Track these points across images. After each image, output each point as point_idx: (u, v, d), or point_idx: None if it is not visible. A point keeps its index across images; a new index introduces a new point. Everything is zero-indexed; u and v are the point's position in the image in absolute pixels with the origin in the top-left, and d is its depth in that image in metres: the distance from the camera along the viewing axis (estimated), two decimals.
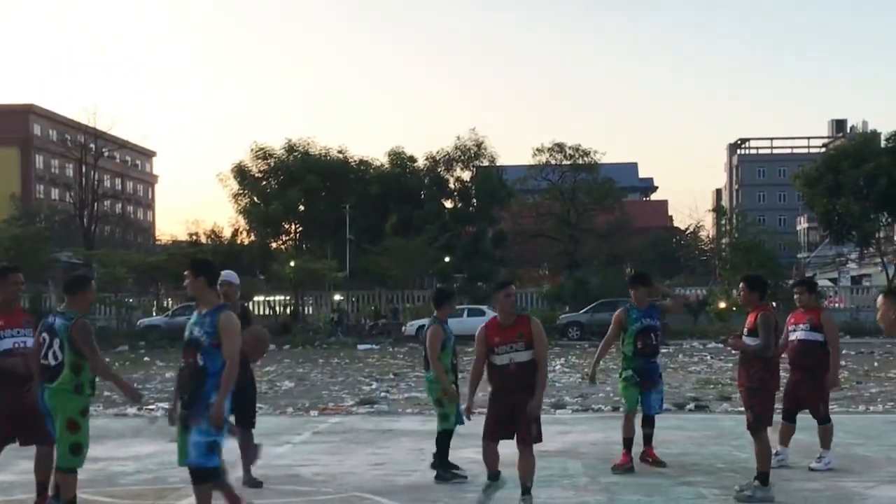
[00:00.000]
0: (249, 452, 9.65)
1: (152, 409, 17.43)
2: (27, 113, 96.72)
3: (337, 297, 51.44)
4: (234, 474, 9.67)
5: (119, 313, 47.97)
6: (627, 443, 10.47)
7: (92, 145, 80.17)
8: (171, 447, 12.36)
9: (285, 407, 17.45)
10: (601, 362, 11.66)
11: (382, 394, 19.66)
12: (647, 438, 10.78)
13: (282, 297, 51.88)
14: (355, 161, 61.02)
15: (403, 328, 45.44)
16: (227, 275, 9.73)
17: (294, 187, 57.53)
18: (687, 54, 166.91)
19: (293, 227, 62.26)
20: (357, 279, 53.23)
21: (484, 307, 45.96)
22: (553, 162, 62.85)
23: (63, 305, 8.12)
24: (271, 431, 13.43)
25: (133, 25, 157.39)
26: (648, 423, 10.79)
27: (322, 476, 10.37)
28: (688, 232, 78.74)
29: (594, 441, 12.95)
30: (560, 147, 62.43)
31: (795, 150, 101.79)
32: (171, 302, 53.26)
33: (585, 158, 62.53)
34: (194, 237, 64.65)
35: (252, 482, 9.52)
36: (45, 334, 7.97)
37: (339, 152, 60.84)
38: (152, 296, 53.67)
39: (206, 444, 7.25)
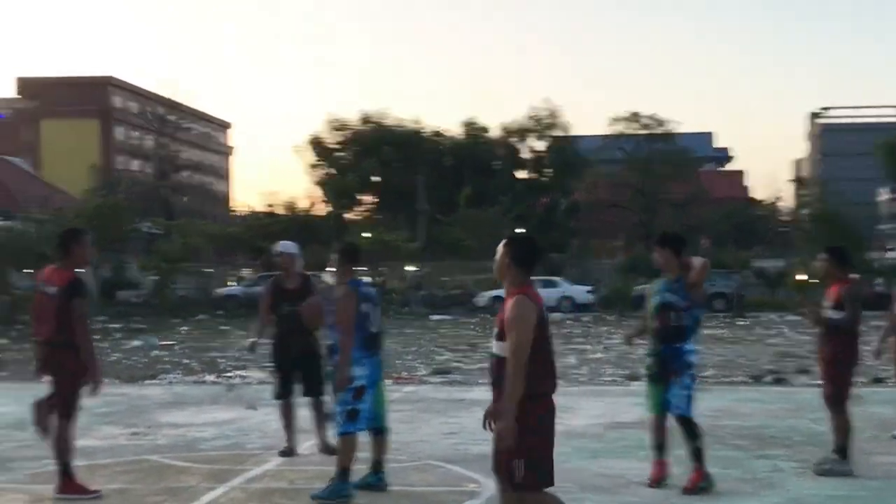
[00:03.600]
0: (321, 420, 9.74)
1: (230, 377, 17.74)
2: (106, 85, 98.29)
3: (410, 268, 51.65)
4: (308, 441, 9.82)
5: (198, 282, 48.77)
6: (656, 451, 8.47)
7: (170, 117, 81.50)
8: (249, 414, 12.66)
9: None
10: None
11: (455, 364, 19.74)
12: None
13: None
14: (429, 132, 61.15)
15: (476, 299, 45.49)
16: (284, 245, 9.83)
17: (369, 158, 57.92)
18: (765, 20, 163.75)
19: (368, 198, 62.65)
20: (430, 250, 53.38)
21: (557, 278, 45.88)
22: (628, 132, 62.21)
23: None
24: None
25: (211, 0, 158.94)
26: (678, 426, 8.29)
27: (395, 444, 10.39)
28: (766, 203, 77.45)
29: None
30: (635, 116, 61.78)
31: (881, 119, 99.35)
32: (248, 271, 54.01)
33: (661, 128, 61.82)
34: (270, 208, 65.42)
35: (327, 448, 9.63)
36: None
37: (414, 123, 61.07)
38: (230, 265, 54.43)
39: (346, 412, 7.79)
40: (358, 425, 7.93)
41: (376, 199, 62.03)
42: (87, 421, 12.31)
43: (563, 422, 11.75)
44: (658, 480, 8.33)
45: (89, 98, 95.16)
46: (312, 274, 10.27)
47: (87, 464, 8.98)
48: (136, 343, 25.80)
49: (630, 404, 13.33)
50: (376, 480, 8.21)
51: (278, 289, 9.65)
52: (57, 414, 8.05)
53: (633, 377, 17.00)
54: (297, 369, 9.61)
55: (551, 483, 5.63)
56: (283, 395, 9.68)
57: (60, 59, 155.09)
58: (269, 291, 9.71)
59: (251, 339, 10.24)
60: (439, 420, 12.15)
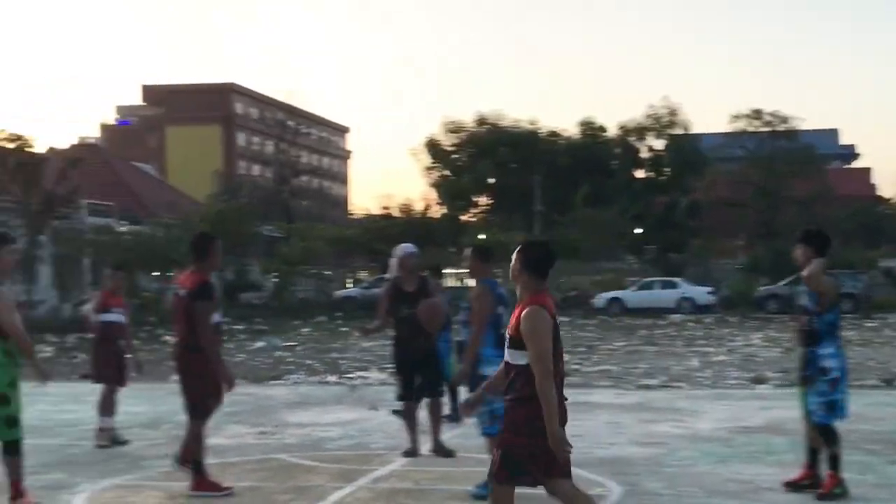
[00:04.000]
0: (438, 421, 9.74)
1: (352, 378, 17.95)
2: (229, 92, 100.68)
3: None
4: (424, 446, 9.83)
5: (317, 285, 49.56)
6: (806, 454, 8.25)
7: (290, 123, 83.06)
8: (371, 414, 12.79)
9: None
10: None
11: (574, 366, 19.61)
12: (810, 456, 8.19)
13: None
14: (545, 132, 60.95)
15: (593, 300, 45.13)
16: (403, 247, 9.84)
17: (485, 160, 57.98)
18: (892, 12, 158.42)
19: (483, 199, 62.75)
20: None
21: (677, 279, 45.22)
22: (750, 129, 60.83)
23: None
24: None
25: (328, 6, 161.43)
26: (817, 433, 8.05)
27: None
28: (893, 201, 74.91)
29: (797, 417, 12.49)
30: (757, 113, 60.30)
31: None
32: (365, 274, 54.70)
33: (784, 125, 60.26)
34: (386, 210, 66.06)
35: (442, 451, 9.59)
36: None
37: (530, 124, 60.91)
38: (348, 268, 55.15)
39: (489, 411, 7.79)
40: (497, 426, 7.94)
41: (491, 201, 62.07)
42: (215, 420, 12.51)
43: (689, 425, 11.65)
44: (796, 483, 8.15)
45: (212, 105, 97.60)
46: (428, 275, 10.27)
47: (217, 462, 9.17)
48: (259, 344, 26.34)
49: (756, 408, 13.07)
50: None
51: (397, 291, 9.64)
52: (188, 414, 8.24)
53: (759, 380, 16.63)
54: (417, 371, 9.62)
55: (526, 484, 5.61)
56: (406, 396, 9.70)
57: (184, 68, 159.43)
58: (388, 294, 9.70)
59: (370, 325, 10.28)
60: None
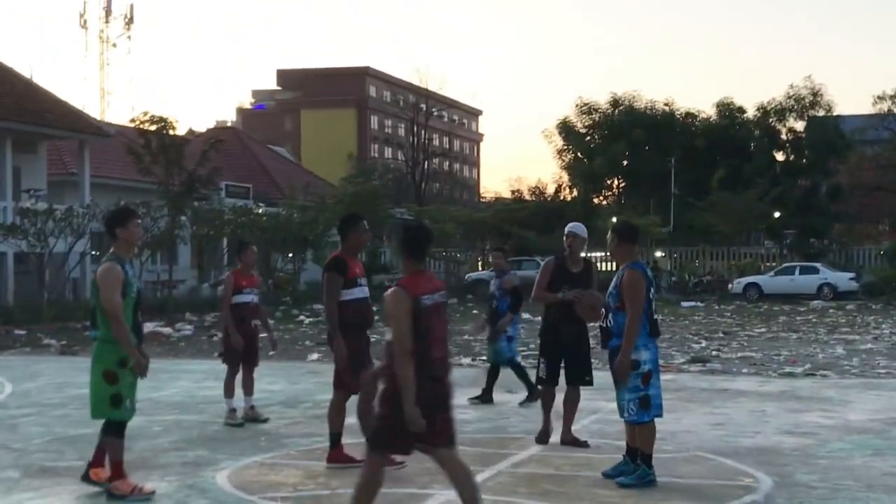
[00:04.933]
0: (573, 410, 9.47)
1: (485, 361, 17.82)
2: (363, 75, 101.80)
3: (658, 254, 50.62)
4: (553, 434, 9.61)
5: (448, 268, 49.66)
6: None
7: (423, 106, 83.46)
8: (508, 397, 12.64)
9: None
10: None
11: (714, 352, 19.10)
12: None
13: (600, 254, 51.75)
14: (681, 114, 59.72)
15: (730, 286, 44.05)
16: (574, 226, 9.48)
17: (618, 142, 57.13)
18: None
19: (616, 182, 61.90)
20: (681, 235, 52.10)
21: (817, 265, 43.78)
22: (895, 110, 58.47)
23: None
24: (602, 386, 13.33)
25: None
26: None
27: (660, 433, 10.03)
28: None
29: None
30: None
31: None
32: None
33: None
34: (516, 194, 65.79)
35: (576, 442, 9.34)
36: None
37: (665, 105, 59.73)
38: (479, 251, 55.10)
39: (637, 399, 7.69)
40: (652, 412, 7.74)
41: (624, 184, 61.19)
42: (354, 400, 12.69)
43: (840, 415, 11.17)
44: None
45: (346, 88, 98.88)
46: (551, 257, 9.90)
47: (354, 441, 9.05)
48: None
49: None
50: (632, 469, 7.92)
51: (561, 269, 9.25)
52: (334, 385, 8.44)
53: None
54: (564, 355, 9.36)
55: (396, 452, 6.14)
56: (550, 380, 9.44)
57: (318, 51, 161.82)
58: (550, 270, 9.26)
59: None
60: (703, 410, 11.72)
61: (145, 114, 29.36)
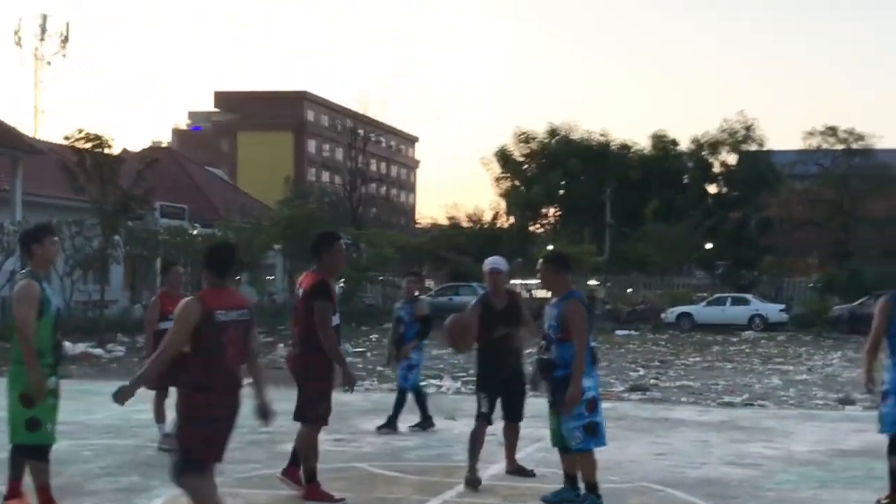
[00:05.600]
0: (515, 442, 9.31)
1: (425, 386, 17.62)
2: (302, 99, 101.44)
3: (592, 283, 50.93)
4: (496, 465, 9.47)
5: (385, 292, 49.40)
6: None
7: (361, 131, 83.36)
8: (449, 424, 12.47)
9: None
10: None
11: (652, 381, 19.14)
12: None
13: (536, 281, 51.96)
14: (617, 145, 60.38)
15: (663, 315, 44.42)
16: (493, 261, 9.08)
17: (555, 171, 57.57)
18: None
19: (553, 210, 62.32)
20: (616, 264, 52.53)
21: (748, 296, 44.35)
22: (825, 146, 59.77)
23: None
24: (540, 414, 13.23)
25: (398, 12, 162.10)
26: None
27: (605, 463, 9.96)
28: None
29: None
30: (833, 130, 59.31)
31: None
32: (432, 283, 54.47)
33: (860, 143, 59.13)
34: (453, 220, 65.84)
35: (522, 472, 9.17)
36: None
37: (601, 135, 60.38)
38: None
39: (583, 427, 7.61)
40: (599, 440, 7.68)
41: (560, 213, 61.60)
42: (292, 425, 12.42)
43: (782, 446, 11.17)
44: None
45: (284, 112, 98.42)
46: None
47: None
48: None
49: (849, 430, 12.54)
50: (574, 496, 7.86)
51: (488, 308, 8.86)
52: (301, 419, 8.04)
53: (847, 401, 16.04)
54: (502, 391, 9.01)
55: (204, 469, 5.97)
56: (489, 416, 8.94)
57: (257, 74, 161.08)
58: (478, 312, 8.85)
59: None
60: (646, 439, 11.67)
61: (80, 131, 28.79)
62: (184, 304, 5.88)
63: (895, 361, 7.88)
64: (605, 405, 14.96)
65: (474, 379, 9.51)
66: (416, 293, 12.51)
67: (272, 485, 8.57)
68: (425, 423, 12.11)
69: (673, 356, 26.31)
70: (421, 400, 12.27)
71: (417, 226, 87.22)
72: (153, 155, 40.96)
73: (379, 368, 21.47)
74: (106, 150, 29.22)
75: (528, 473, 9.15)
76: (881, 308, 8.06)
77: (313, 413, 7.96)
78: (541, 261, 8.03)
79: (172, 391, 10.48)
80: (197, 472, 5.86)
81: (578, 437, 7.63)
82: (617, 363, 23.60)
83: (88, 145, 28.77)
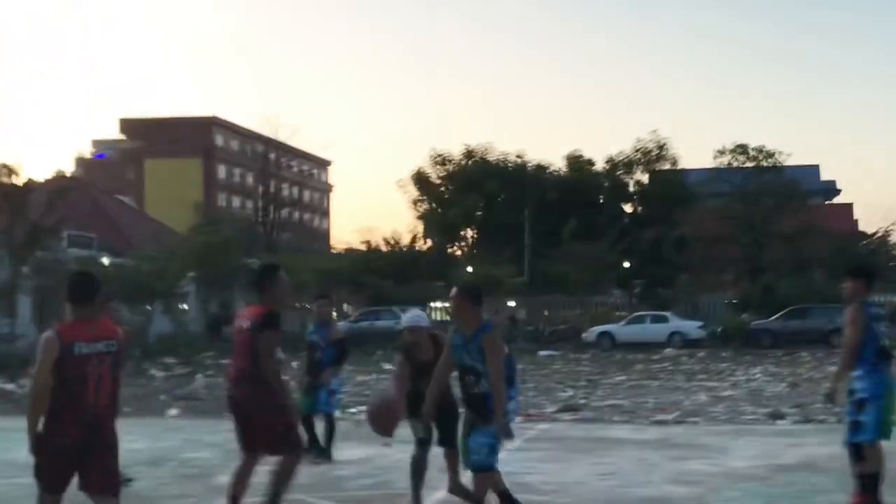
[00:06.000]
0: (456, 464, 9.06)
1: (353, 413, 17.30)
2: (210, 124, 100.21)
3: (510, 304, 51.04)
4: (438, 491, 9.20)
5: (303, 319, 48.76)
6: (869, 481, 8.08)
7: (272, 155, 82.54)
8: (384, 451, 12.13)
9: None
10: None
11: (582, 400, 19.06)
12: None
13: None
14: (533, 166, 60.65)
15: (584, 335, 44.65)
16: (412, 318, 8.70)
17: (472, 192, 57.57)
18: (876, 50, 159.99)
19: (470, 232, 62.30)
20: (535, 285, 52.67)
21: (667, 314, 44.83)
22: (735, 164, 60.81)
23: None
24: None
25: (311, 35, 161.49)
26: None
27: (552, 485, 9.85)
28: (877, 236, 74.90)
29: (832, 455, 11.96)
30: (743, 148, 60.34)
31: None
32: (349, 308, 54.00)
33: (770, 160, 60.28)
34: (369, 244, 65.38)
35: (464, 492, 8.91)
36: None
37: (518, 157, 60.59)
38: (333, 301, 54.36)
39: (489, 446, 7.50)
40: (496, 459, 7.63)
41: (478, 234, 61.62)
42: (221, 458, 11.98)
43: (720, 463, 11.11)
44: None
45: (192, 138, 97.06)
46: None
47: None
48: None
49: (785, 445, 12.57)
50: None
51: (414, 364, 8.53)
52: (285, 449, 7.70)
53: (777, 416, 16.11)
54: (441, 420, 8.75)
55: (54, 491, 6.09)
56: (427, 440, 8.69)
57: (162, 100, 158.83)
58: (404, 371, 8.58)
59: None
60: (588, 460, 11.51)
61: None
62: (45, 340, 5.97)
63: (869, 370, 7.87)
64: (540, 426, 15.03)
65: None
66: (329, 316, 12.03)
67: None
68: (322, 454, 11.52)
69: (599, 375, 26.35)
70: (331, 428, 11.69)
71: (333, 250, 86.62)
72: (61, 184, 39.94)
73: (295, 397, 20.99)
74: (14, 180, 28.35)
75: (472, 496, 8.88)
76: (854, 318, 8.01)
77: (295, 440, 7.71)
78: (455, 290, 7.74)
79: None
80: (46, 494, 6.09)
81: (485, 452, 7.48)
82: (544, 383, 23.52)
83: None
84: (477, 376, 7.46)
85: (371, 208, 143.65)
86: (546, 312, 50.96)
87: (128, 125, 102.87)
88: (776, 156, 60.20)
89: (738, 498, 9.14)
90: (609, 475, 10.42)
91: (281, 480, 7.75)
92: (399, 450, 11.73)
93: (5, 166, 27.81)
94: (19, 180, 29.19)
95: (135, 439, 13.25)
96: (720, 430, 14.36)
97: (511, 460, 11.49)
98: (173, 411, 17.75)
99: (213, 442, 13.48)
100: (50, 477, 6.04)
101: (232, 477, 7.84)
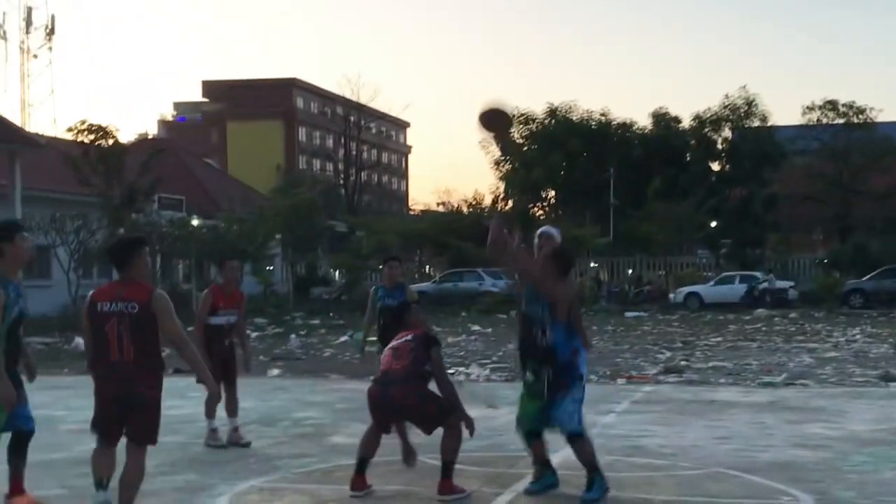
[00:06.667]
0: None
1: (453, 374, 17.28)
2: (290, 86, 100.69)
3: (592, 265, 50.61)
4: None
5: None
6: None
7: (352, 118, 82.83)
8: (492, 412, 12.06)
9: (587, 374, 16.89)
10: None
11: (683, 362, 18.78)
12: None
13: None
14: (617, 124, 59.89)
15: (671, 295, 44.15)
16: (546, 230, 8.53)
17: (556, 152, 57.04)
18: None
19: (553, 192, 61.86)
20: (618, 245, 52.16)
21: (757, 273, 44.09)
22: (825, 121, 59.40)
23: None
24: (587, 399, 12.88)
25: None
26: None
27: (669, 448, 9.69)
28: None
29: None
30: (832, 105, 58.89)
31: None
32: (432, 269, 54.05)
33: (860, 116, 58.75)
34: (447, 205, 65.21)
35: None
36: None
37: (601, 115, 59.84)
38: (416, 262, 54.52)
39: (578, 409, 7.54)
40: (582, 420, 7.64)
41: (560, 193, 61.15)
42: (334, 417, 12.05)
43: (841, 426, 10.84)
44: None
45: (273, 100, 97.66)
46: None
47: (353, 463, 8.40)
48: (343, 339, 25.73)
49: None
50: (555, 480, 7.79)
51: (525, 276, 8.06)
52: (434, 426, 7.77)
53: (888, 378, 15.70)
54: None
55: (101, 435, 6.42)
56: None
57: (243, 62, 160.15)
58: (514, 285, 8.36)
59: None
60: (701, 423, 11.30)
61: (83, 122, 28.31)
62: (159, 295, 6.44)
63: None
64: (645, 388, 14.83)
65: (503, 365, 9.09)
66: (401, 279, 11.55)
67: (335, 479, 8.23)
68: None
69: (692, 337, 25.97)
70: None
71: (411, 212, 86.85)
72: (150, 145, 40.55)
73: None
74: (110, 141, 28.74)
75: (585, 464, 8.73)
76: None
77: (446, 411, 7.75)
78: (547, 253, 7.70)
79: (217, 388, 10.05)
80: (98, 444, 6.44)
81: (576, 418, 7.47)
82: (639, 345, 23.26)
83: (91, 136, 28.28)
84: (542, 327, 7.42)
85: (448, 169, 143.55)
86: (630, 272, 50.45)
87: (210, 88, 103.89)
88: (867, 112, 58.69)
89: (868, 462, 8.89)
90: (727, 438, 10.22)
91: (452, 448, 7.64)
92: (506, 411, 11.69)
93: (101, 128, 28.16)
94: (116, 141, 29.57)
95: (243, 398, 13.37)
96: (833, 393, 14.03)
97: (622, 423, 11.39)
98: (274, 371, 17.90)
99: (319, 401, 13.57)
100: (99, 426, 6.40)
101: (362, 438, 7.82)
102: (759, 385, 15.11)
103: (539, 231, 8.66)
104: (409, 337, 7.83)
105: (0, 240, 6.67)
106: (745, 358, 19.53)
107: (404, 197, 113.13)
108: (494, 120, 7.92)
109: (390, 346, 7.95)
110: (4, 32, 59.08)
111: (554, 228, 8.84)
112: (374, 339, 10.78)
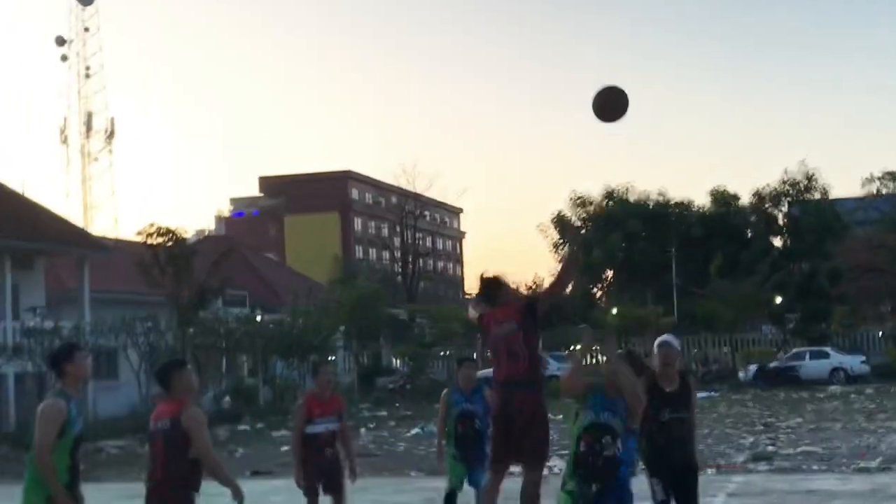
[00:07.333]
0: None
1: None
2: (345, 179, 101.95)
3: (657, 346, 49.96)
4: None
5: (451, 367, 48.80)
6: None
7: (406, 207, 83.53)
8: None
9: None
10: None
11: (770, 447, 18.31)
12: None
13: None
14: (676, 203, 59.81)
15: (740, 373, 43.43)
16: (666, 338, 8.44)
17: (614, 233, 56.99)
18: None
19: (610, 273, 61.63)
20: (682, 324, 51.56)
21: (827, 349, 43.33)
22: (885, 191, 58.88)
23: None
24: None
25: (431, 85, 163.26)
26: None
27: None
28: None
29: None
30: (892, 175, 58.52)
31: None
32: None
33: None
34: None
35: None
36: None
37: (659, 195, 59.85)
38: (477, 348, 54.25)
39: None
40: None
41: (621, 274, 60.89)
42: None
43: None
44: None
45: (329, 192, 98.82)
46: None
47: None
48: (415, 431, 25.50)
49: None
50: None
51: (656, 389, 7.98)
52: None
53: None
54: (674, 483, 8.21)
55: None
56: (668, 502, 8.23)
57: (299, 157, 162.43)
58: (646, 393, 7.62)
59: None
60: None
61: (151, 225, 28.81)
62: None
63: None
64: (737, 478, 14.42)
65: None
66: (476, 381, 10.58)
67: None
68: None
69: (772, 418, 25.40)
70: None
71: (467, 297, 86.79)
72: (213, 243, 41.02)
73: None
74: (179, 242, 29.14)
75: None
76: None
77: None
78: (619, 351, 7.05)
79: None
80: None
81: None
82: (719, 429, 22.74)
83: (160, 239, 28.72)
84: (613, 436, 6.54)
85: (503, 254, 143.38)
86: (695, 351, 49.79)
87: (266, 183, 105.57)
88: None
89: None
90: None
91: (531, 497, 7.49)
92: None
93: (170, 230, 28.61)
94: (185, 242, 29.99)
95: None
96: None
97: None
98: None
99: (404, 501, 13.35)
100: None
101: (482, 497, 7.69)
102: (855, 471, 14.65)
103: (659, 341, 8.46)
104: None
105: (62, 360, 6.87)
106: (831, 440, 19.02)
107: (460, 282, 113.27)
108: (610, 104, 7.95)
109: None
110: (66, 138, 60.67)
111: (674, 338, 8.63)
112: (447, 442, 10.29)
